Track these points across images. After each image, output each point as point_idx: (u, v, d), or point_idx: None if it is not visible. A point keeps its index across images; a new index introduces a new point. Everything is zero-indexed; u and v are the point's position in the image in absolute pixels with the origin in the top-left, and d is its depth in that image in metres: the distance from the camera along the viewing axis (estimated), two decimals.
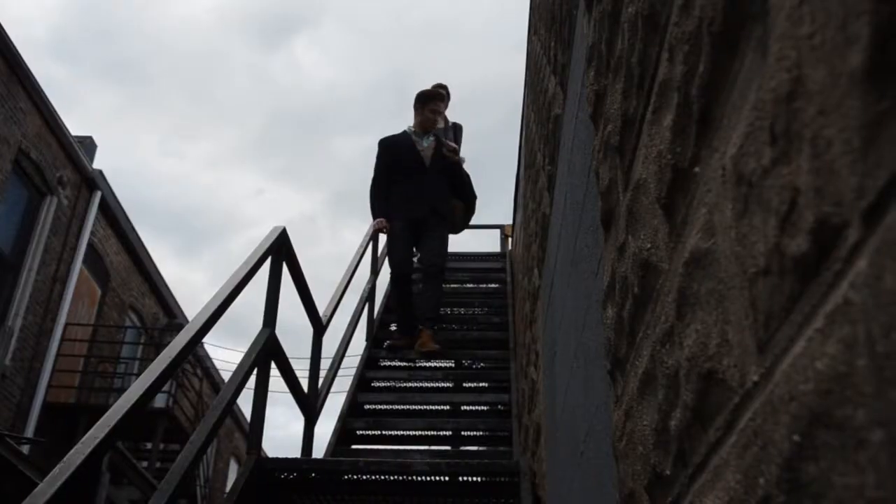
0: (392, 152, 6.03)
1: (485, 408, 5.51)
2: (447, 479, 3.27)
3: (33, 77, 9.32)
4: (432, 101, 6.23)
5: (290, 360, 3.87)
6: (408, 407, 5.38)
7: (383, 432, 5.06)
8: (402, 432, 5.08)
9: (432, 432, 5.17)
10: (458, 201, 6.29)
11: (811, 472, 0.49)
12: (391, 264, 5.83)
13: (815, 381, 0.49)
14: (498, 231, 11.02)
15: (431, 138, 6.12)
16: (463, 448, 5.31)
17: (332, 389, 5.01)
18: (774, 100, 0.56)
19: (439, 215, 5.92)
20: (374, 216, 6.04)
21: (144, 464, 9.92)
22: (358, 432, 4.96)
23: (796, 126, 0.52)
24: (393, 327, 6.60)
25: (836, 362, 0.46)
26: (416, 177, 5.91)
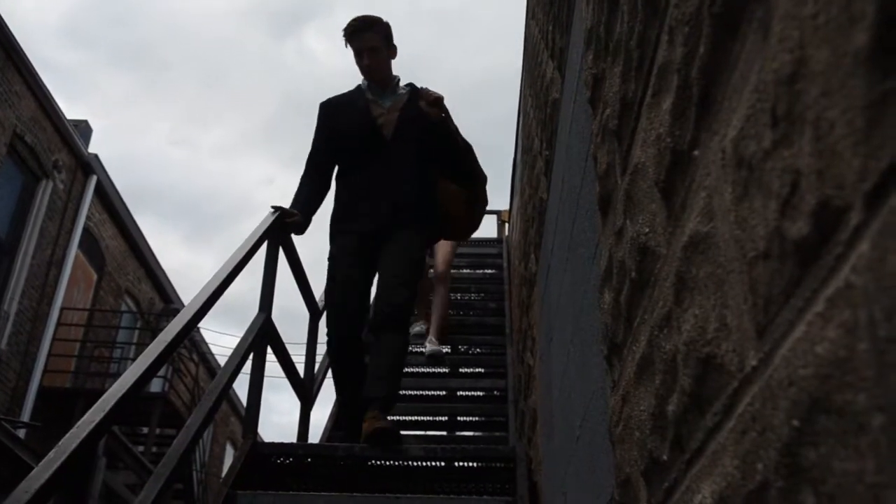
0: (334, 122, 3.67)
1: (481, 393, 5.52)
2: (443, 464, 3.28)
3: (28, 60, 9.26)
4: (356, 36, 3.64)
5: (287, 345, 3.87)
6: (404, 392, 5.39)
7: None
8: (398, 417, 5.09)
9: (428, 418, 5.18)
10: (455, 186, 3.92)
11: (811, 457, 0.49)
12: (328, 321, 3.50)
13: (815, 365, 0.48)
14: (495, 217, 11.01)
15: (403, 92, 3.69)
16: (459, 433, 5.33)
17: (329, 374, 5.02)
18: (776, 81, 0.55)
19: (411, 219, 3.49)
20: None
21: (140, 448, 9.94)
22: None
23: (798, 108, 0.51)
24: None
25: (836, 347, 0.45)
26: (373, 159, 3.52)
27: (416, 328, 5.86)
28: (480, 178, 4.00)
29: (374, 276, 3.56)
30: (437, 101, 3.53)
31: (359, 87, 3.74)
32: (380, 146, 3.54)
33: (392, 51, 3.69)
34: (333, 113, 3.70)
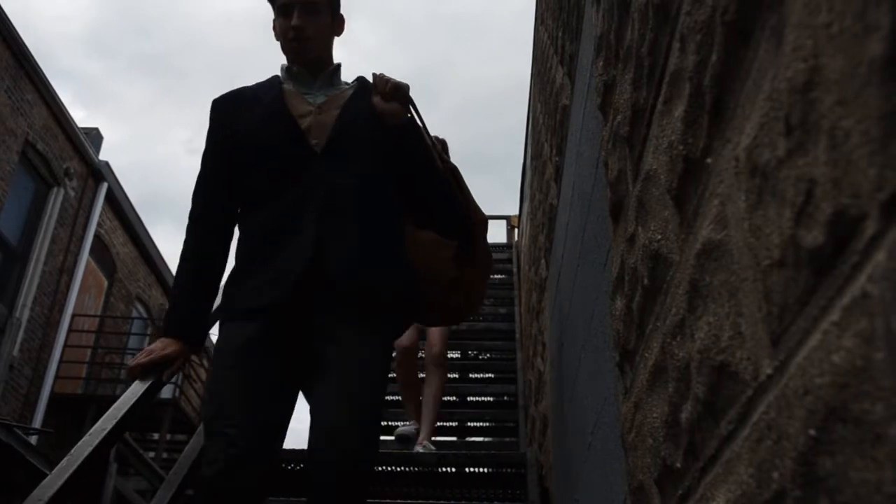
0: (234, 129, 2.16)
1: (491, 399, 5.52)
2: (454, 470, 3.28)
3: (40, 69, 9.32)
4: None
5: None
6: None
7: (389, 423, 5.06)
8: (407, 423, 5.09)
9: (438, 423, 5.18)
10: (433, 234, 2.32)
11: (827, 466, 0.48)
12: (203, 458, 1.86)
13: (832, 374, 0.48)
14: (504, 222, 11.01)
15: (346, 86, 2.26)
16: (469, 439, 5.32)
17: None
18: (790, 90, 0.55)
19: (361, 297, 1.97)
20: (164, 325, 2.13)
21: (151, 454, 9.96)
22: None
23: (813, 116, 0.51)
24: None
25: (853, 356, 0.45)
26: (291, 186, 2.04)
27: (405, 428, 4.24)
28: (476, 220, 2.32)
29: (291, 398, 1.99)
30: (398, 91, 2.07)
31: (276, 75, 2.22)
32: (304, 164, 2.02)
33: (338, 23, 2.25)
34: (233, 114, 2.13)
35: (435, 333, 4.18)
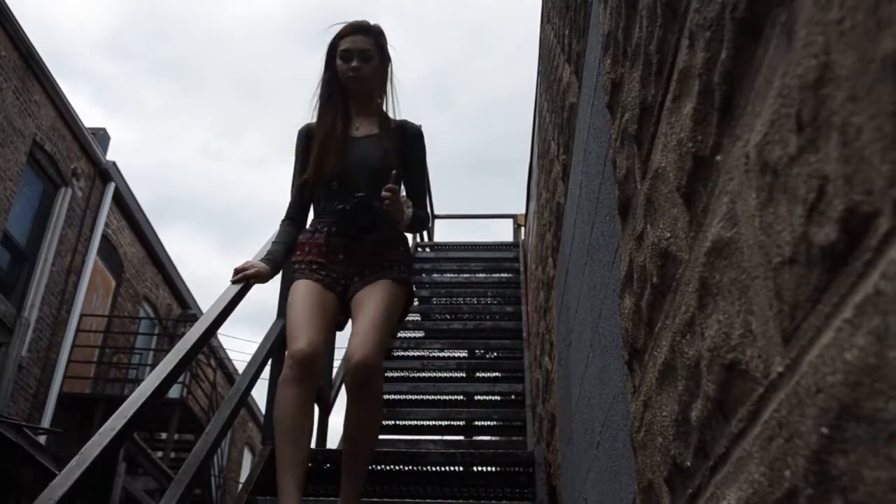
0: None
1: (498, 397, 5.51)
2: (461, 469, 3.28)
3: (48, 70, 9.35)
4: None
5: None
6: (421, 397, 5.39)
7: (397, 422, 5.07)
8: (415, 422, 5.09)
9: (446, 422, 5.18)
10: None
11: (840, 465, 0.48)
12: None
13: (844, 372, 0.48)
14: (511, 220, 10.99)
15: None
16: (476, 438, 5.32)
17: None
18: (801, 86, 0.55)
19: None
20: None
21: (159, 454, 9.98)
22: None
23: (824, 113, 0.51)
24: None
25: (866, 354, 0.45)
26: None
27: None
28: None
29: None
30: None
31: None
32: None
33: None
34: None
35: (362, 329, 2.35)
